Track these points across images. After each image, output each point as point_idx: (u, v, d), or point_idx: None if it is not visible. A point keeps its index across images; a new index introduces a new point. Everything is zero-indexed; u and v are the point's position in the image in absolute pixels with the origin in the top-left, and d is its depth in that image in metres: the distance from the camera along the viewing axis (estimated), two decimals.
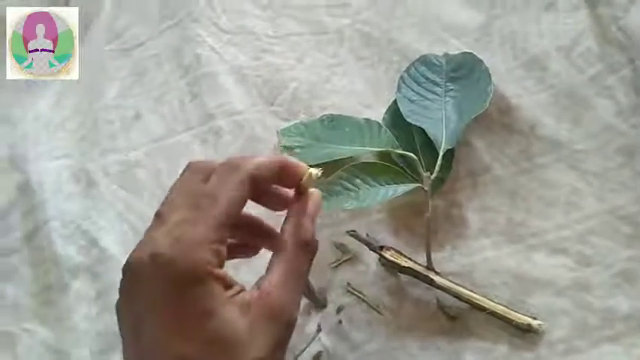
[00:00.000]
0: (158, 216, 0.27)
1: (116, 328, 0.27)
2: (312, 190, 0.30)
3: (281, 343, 0.27)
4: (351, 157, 0.42)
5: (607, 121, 0.42)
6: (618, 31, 0.44)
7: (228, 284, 0.26)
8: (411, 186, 0.40)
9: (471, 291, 0.39)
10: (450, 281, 0.39)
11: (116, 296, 0.27)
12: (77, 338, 0.42)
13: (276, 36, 0.49)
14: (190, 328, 0.24)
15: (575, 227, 0.40)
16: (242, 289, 0.27)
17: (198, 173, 0.28)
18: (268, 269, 0.28)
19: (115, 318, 0.27)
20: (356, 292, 0.41)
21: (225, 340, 0.25)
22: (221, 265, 0.26)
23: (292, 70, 0.48)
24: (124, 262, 0.27)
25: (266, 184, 0.30)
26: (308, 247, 0.29)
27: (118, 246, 0.44)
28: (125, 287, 0.27)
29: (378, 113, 0.44)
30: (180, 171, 0.30)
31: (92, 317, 0.43)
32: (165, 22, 0.50)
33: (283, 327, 0.27)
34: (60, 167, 0.47)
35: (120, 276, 0.27)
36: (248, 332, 0.25)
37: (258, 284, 0.28)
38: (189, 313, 0.24)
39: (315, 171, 0.30)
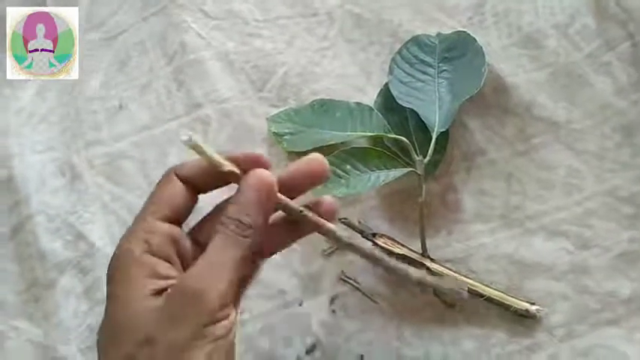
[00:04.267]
0: None
1: None
2: (258, 171, 0.28)
3: (199, 330, 0.25)
4: (342, 143, 0.41)
5: (605, 99, 0.41)
6: (616, 6, 0.42)
7: (154, 272, 0.26)
8: (403, 171, 0.39)
9: (467, 277, 0.38)
10: (446, 268, 0.38)
11: (104, 290, 0.27)
12: (65, 335, 0.41)
13: (265, 19, 0.48)
14: (105, 311, 0.27)
15: (573, 209, 0.39)
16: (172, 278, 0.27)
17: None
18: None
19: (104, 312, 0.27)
20: (350, 281, 0.40)
21: (119, 321, 0.26)
22: (151, 252, 0.27)
23: (281, 55, 0.46)
24: (110, 255, 0.27)
25: (203, 182, 0.29)
26: (238, 235, 0.27)
27: (105, 239, 0.43)
28: None
29: (370, 96, 0.43)
30: (167, 161, 0.30)
31: (80, 313, 0.42)
32: (148, 8, 0.49)
33: (201, 314, 0.25)
34: (44, 161, 0.46)
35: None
36: (154, 315, 0.25)
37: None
38: (108, 297, 0.27)
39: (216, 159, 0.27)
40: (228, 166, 0.27)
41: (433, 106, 0.40)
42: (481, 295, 0.37)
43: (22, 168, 0.45)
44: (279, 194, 0.28)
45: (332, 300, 0.40)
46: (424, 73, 0.42)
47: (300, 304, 0.40)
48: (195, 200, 0.29)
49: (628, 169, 0.39)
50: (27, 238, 0.44)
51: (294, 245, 0.36)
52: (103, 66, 0.48)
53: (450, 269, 0.38)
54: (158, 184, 0.29)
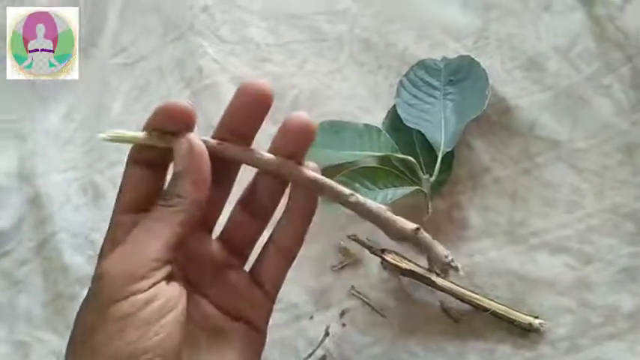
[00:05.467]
0: None
1: None
2: (185, 138, 0.27)
3: (102, 311, 0.24)
4: (351, 162, 0.43)
5: (606, 120, 0.42)
6: (615, 30, 0.44)
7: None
8: (410, 189, 0.40)
9: (473, 292, 0.39)
10: (452, 283, 0.39)
11: None
12: None
13: (277, 44, 0.50)
14: None
15: (576, 226, 0.40)
16: None
17: None
18: None
19: None
20: (359, 295, 0.41)
21: None
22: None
23: (293, 78, 0.48)
24: None
25: (154, 157, 0.28)
26: (163, 207, 0.26)
27: None
28: None
29: (378, 118, 0.45)
30: None
31: None
32: (168, 35, 0.51)
33: (102, 295, 0.24)
34: (68, 180, 0.48)
35: None
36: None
37: None
38: None
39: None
40: (152, 140, 0.27)
41: (439, 127, 0.42)
42: (486, 310, 0.38)
43: (48, 187, 0.47)
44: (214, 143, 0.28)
45: (342, 314, 0.41)
46: (430, 95, 0.44)
47: (311, 318, 0.41)
48: (160, 178, 0.29)
49: (629, 187, 0.40)
50: (51, 254, 0.46)
51: (305, 261, 0.37)
52: (125, 90, 0.51)
53: (456, 284, 0.39)
54: (122, 177, 0.28)
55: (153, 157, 0.28)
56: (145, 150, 0.28)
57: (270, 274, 0.31)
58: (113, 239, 0.27)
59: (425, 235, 0.30)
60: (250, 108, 0.28)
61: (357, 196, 0.30)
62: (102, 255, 0.28)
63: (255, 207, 0.31)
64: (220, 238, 0.31)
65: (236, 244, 0.31)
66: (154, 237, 0.25)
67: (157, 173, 0.28)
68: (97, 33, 0.52)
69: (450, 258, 0.30)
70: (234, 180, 0.31)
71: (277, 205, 0.31)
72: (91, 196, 0.47)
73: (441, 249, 0.30)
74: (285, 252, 0.31)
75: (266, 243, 0.31)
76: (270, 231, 0.31)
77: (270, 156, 0.28)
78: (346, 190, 0.29)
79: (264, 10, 0.51)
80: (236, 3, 0.51)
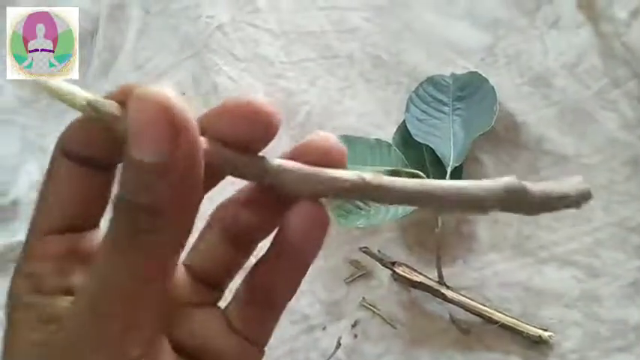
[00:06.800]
0: None
1: None
2: (147, 92, 0.16)
3: None
4: None
5: (612, 134, 0.43)
6: (621, 46, 0.45)
7: (45, 316, 0.18)
8: None
9: (482, 304, 0.40)
10: (462, 295, 0.40)
11: None
12: None
13: (290, 62, 0.51)
14: None
15: (583, 239, 0.41)
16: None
17: None
18: None
19: None
20: (370, 307, 0.42)
21: None
22: (40, 290, 0.18)
23: (305, 94, 0.50)
24: None
25: (101, 149, 0.19)
26: (134, 229, 0.16)
27: None
28: None
29: (388, 133, 0.46)
30: None
31: None
32: (184, 52, 0.53)
33: None
34: None
35: None
36: None
37: None
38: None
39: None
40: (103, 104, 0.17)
41: (448, 142, 0.43)
42: (495, 322, 0.39)
43: None
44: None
45: (354, 325, 0.42)
46: (439, 111, 0.45)
47: (324, 329, 0.42)
48: (107, 181, 0.20)
49: (636, 201, 0.41)
50: None
51: (318, 273, 0.38)
52: None
53: (466, 296, 0.40)
54: (44, 178, 0.19)
55: (97, 147, 0.19)
56: (85, 136, 0.19)
57: (251, 326, 0.21)
58: (32, 276, 0.18)
59: (533, 185, 0.19)
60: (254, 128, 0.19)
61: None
62: (14, 304, 0.18)
63: (238, 237, 0.22)
64: (187, 263, 0.22)
65: (209, 275, 0.22)
66: (142, 297, 0.17)
67: (100, 172, 0.19)
68: (116, 51, 0.54)
69: (582, 183, 0.19)
70: (211, 188, 0.21)
71: (266, 237, 0.22)
72: (108, 207, 0.49)
73: (567, 184, 0.19)
74: (274, 303, 0.21)
75: (247, 283, 0.21)
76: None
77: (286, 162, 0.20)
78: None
79: (278, 28, 0.52)
80: (250, 22, 0.53)
